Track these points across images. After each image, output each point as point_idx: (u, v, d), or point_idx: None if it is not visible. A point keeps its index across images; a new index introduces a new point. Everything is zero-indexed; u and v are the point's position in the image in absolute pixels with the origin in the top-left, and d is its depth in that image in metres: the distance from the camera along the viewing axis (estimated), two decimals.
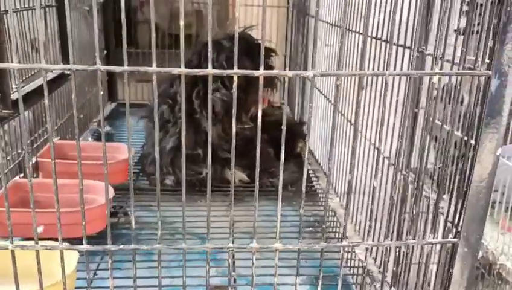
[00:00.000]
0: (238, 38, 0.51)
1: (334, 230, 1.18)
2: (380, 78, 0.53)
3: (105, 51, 2.14)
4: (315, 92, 1.70)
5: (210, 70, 0.49)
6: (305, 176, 0.58)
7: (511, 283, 1.13)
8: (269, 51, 1.48)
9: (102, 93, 0.51)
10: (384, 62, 0.82)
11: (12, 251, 0.56)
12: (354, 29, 1.05)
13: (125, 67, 0.49)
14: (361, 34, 0.97)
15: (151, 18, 0.51)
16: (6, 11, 1.07)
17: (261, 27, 0.51)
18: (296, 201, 1.33)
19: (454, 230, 0.60)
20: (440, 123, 0.68)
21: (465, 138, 0.63)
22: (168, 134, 1.34)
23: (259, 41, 1.50)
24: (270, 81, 1.45)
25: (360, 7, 1.08)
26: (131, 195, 0.58)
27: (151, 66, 0.51)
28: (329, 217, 1.22)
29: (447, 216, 0.64)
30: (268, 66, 1.45)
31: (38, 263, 0.56)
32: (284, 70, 2.00)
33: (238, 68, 0.50)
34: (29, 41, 1.36)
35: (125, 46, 0.49)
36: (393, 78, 0.68)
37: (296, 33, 1.94)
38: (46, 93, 0.50)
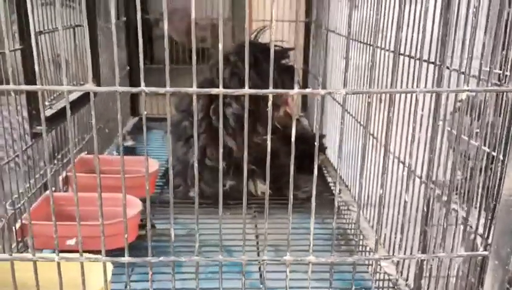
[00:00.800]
0: (246, 51, 0.53)
1: (358, 243, 1.19)
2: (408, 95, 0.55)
3: (128, 67, 2.20)
4: (335, 105, 1.71)
5: (246, 91, 0.52)
6: (337, 190, 0.60)
7: None
8: (284, 52, 1.47)
9: (120, 116, 0.54)
10: (412, 78, 0.84)
11: (58, 263, 0.59)
12: (379, 44, 1.07)
13: (143, 88, 0.52)
14: (388, 50, 0.99)
15: (165, 37, 0.53)
16: (40, 32, 1.12)
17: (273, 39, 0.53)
18: (319, 213, 1.34)
19: (484, 243, 0.61)
20: (466, 138, 0.69)
21: (493, 153, 0.65)
22: (192, 148, 1.37)
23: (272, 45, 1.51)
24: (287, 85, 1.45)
25: (382, 22, 1.10)
26: (171, 209, 0.61)
27: (172, 81, 0.54)
28: (353, 231, 1.23)
29: (477, 229, 0.65)
30: (287, 67, 1.44)
31: (83, 274, 0.59)
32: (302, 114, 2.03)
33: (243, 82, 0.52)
34: (55, 58, 1.41)
35: (141, 65, 0.52)
36: (424, 94, 0.70)
37: (315, 47, 1.97)
38: (68, 112, 0.54)
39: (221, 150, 0.58)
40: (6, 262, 0.58)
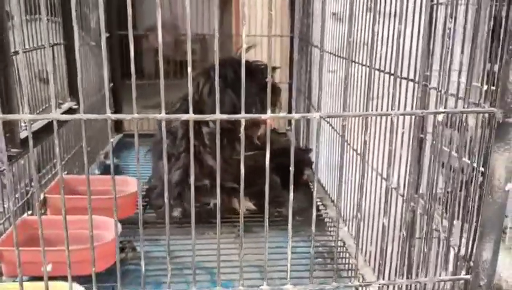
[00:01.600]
0: (225, 67, 0.51)
1: (344, 261, 1.17)
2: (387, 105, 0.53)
3: (112, 84, 2.17)
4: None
5: (218, 116, 0.50)
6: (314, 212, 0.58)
7: None
8: (266, 69, 1.46)
9: (112, 140, 0.52)
10: (388, 97, 0.82)
11: None
12: (358, 60, 1.07)
13: (135, 115, 0.50)
14: (366, 66, 0.98)
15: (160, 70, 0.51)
16: (16, 52, 1.10)
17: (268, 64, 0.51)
18: (304, 230, 1.32)
19: (466, 266, 0.59)
20: (448, 149, 0.68)
21: (474, 165, 0.63)
22: (174, 168, 1.35)
23: (255, 63, 1.49)
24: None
25: (363, 38, 1.09)
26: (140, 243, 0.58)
27: (157, 95, 0.52)
28: (339, 248, 1.20)
29: (459, 251, 0.64)
30: (266, 85, 1.42)
31: None
32: (290, 112, 2.02)
33: (222, 100, 0.50)
34: (36, 73, 1.38)
35: (134, 94, 0.50)
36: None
37: (299, 61, 1.97)
38: (56, 141, 0.51)
39: (192, 170, 0.56)
40: None
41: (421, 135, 0.81)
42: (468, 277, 0.58)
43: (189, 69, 0.53)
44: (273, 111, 1.51)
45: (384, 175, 0.96)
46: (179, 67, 2.43)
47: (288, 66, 2.14)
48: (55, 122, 0.50)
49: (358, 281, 0.56)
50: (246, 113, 1.39)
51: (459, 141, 0.58)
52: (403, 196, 0.82)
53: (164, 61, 0.54)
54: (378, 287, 0.57)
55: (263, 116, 0.50)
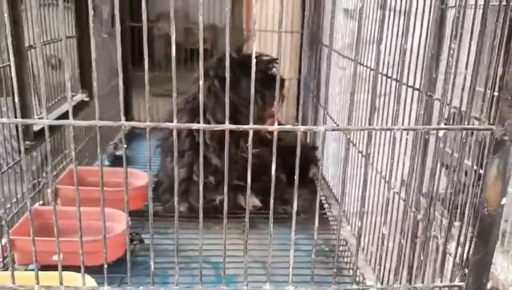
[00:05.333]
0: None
1: (345, 260, 1.20)
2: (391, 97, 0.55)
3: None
4: (328, 117, 1.72)
5: (227, 126, 0.53)
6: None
7: None
8: (269, 62, 1.44)
9: (99, 149, 0.55)
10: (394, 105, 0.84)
11: None
12: (367, 58, 1.08)
13: (148, 123, 0.53)
14: (371, 69, 0.99)
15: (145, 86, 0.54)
16: (30, 47, 1.13)
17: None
18: (309, 228, 1.35)
19: (461, 273, 0.62)
20: (450, 151, 0.70)
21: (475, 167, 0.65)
22: (178, 165, 1.38)
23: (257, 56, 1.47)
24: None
25: (372, 35, 1.10)
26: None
27: (168, 84, 0.54)
28: (341, 247, 1.23)
29: (455, 257, 0.66)
30: (271, 78, 1.40)
31: None
32: (296, 124, 2.03)
33: (221, 100, 0.53)
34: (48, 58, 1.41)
35: (147, 104, 0.52)
36: (403, 115, 0.71)
37: (309, 59, 1.98)
38: (73, 146, 0.54)
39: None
40: None
41: (426, 136, 0.82)
42: (462, 284, 0.60)
43: (201, 62, 0.55)
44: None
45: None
46: (189, 54, 2.45)
47: (298, 61, 2.16)
48: (71, 128, 0.53)
49: (356, 280, 0.58)
50: (246, 109, 1.38)
51: (459, 155, 0.60)
52: (404, 200, 0.85)
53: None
54: None
55: (270, 128, 0.53)
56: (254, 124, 0.55)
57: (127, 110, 2.36)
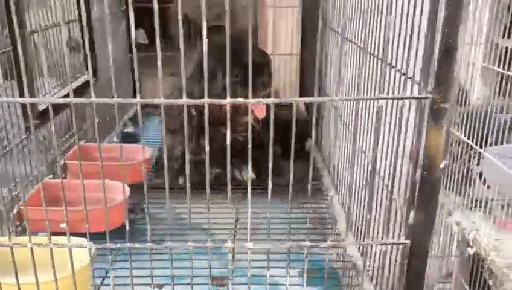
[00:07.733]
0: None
1: (331, 227, 1.27)
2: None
3: (130, 54, 2.28)
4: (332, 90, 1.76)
5: (206, 100, 0.59)
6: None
7: (499, 277, 1.19)
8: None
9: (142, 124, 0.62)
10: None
11: (31, 248, 0.69)
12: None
13: (161, 100, 0.59)
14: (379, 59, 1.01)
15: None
16: (32, 32, 1.21)
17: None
18: (300, 197, 1.42)
19: (405, 231, 0.68)
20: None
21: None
22: (176, 141, 1.48)
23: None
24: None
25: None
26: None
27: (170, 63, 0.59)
28: (327, 215, 1.30)
29: (407, 219, 0.72)
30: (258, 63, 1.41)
31: (52, 258, 0.68)
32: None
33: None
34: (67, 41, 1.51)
35: (161, 82, 0.59)
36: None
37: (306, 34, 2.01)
38: (52, 124, 0.62)
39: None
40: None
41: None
42: (407, 241, 0.66)
43: (205, 48, 0.60)
44: (263, 94, 1.55)
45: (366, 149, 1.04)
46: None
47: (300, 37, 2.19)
48: (93, 105, 0.60)
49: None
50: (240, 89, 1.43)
51: (397, 123, 0.65)
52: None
53: (191, 24, 0.60)
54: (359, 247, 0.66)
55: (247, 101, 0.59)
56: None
57: (135, 89, 2.45)
